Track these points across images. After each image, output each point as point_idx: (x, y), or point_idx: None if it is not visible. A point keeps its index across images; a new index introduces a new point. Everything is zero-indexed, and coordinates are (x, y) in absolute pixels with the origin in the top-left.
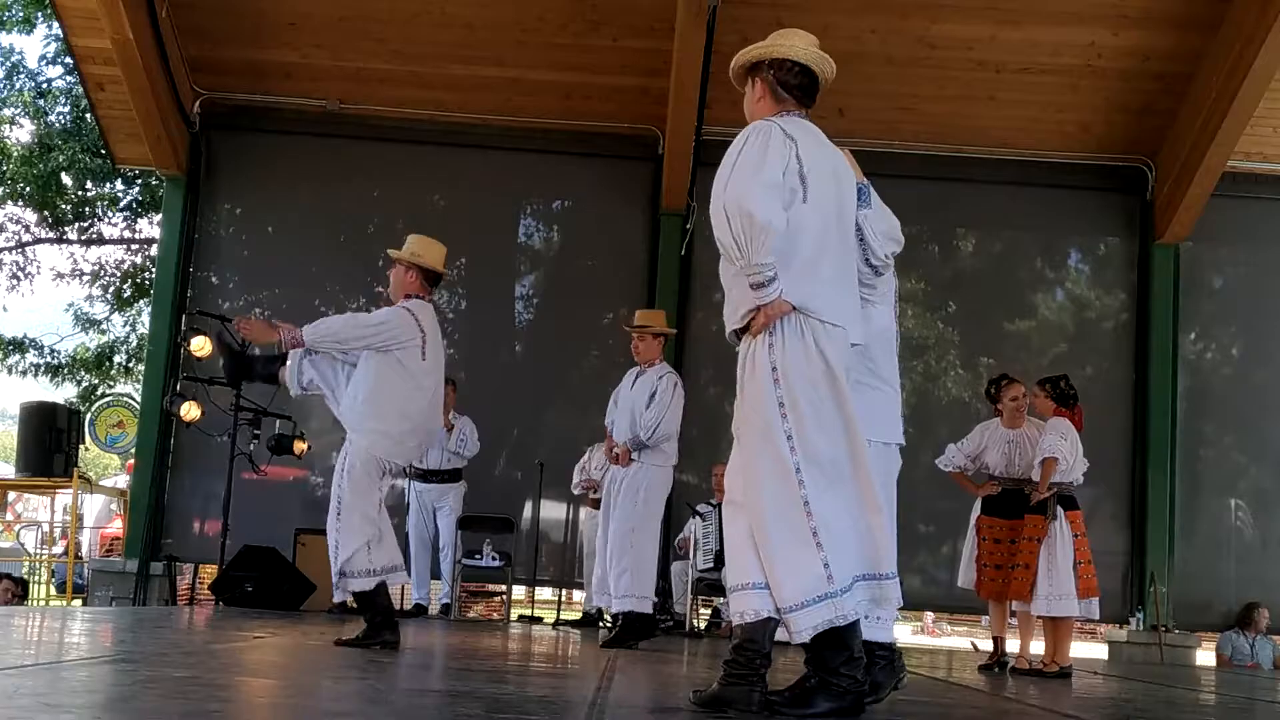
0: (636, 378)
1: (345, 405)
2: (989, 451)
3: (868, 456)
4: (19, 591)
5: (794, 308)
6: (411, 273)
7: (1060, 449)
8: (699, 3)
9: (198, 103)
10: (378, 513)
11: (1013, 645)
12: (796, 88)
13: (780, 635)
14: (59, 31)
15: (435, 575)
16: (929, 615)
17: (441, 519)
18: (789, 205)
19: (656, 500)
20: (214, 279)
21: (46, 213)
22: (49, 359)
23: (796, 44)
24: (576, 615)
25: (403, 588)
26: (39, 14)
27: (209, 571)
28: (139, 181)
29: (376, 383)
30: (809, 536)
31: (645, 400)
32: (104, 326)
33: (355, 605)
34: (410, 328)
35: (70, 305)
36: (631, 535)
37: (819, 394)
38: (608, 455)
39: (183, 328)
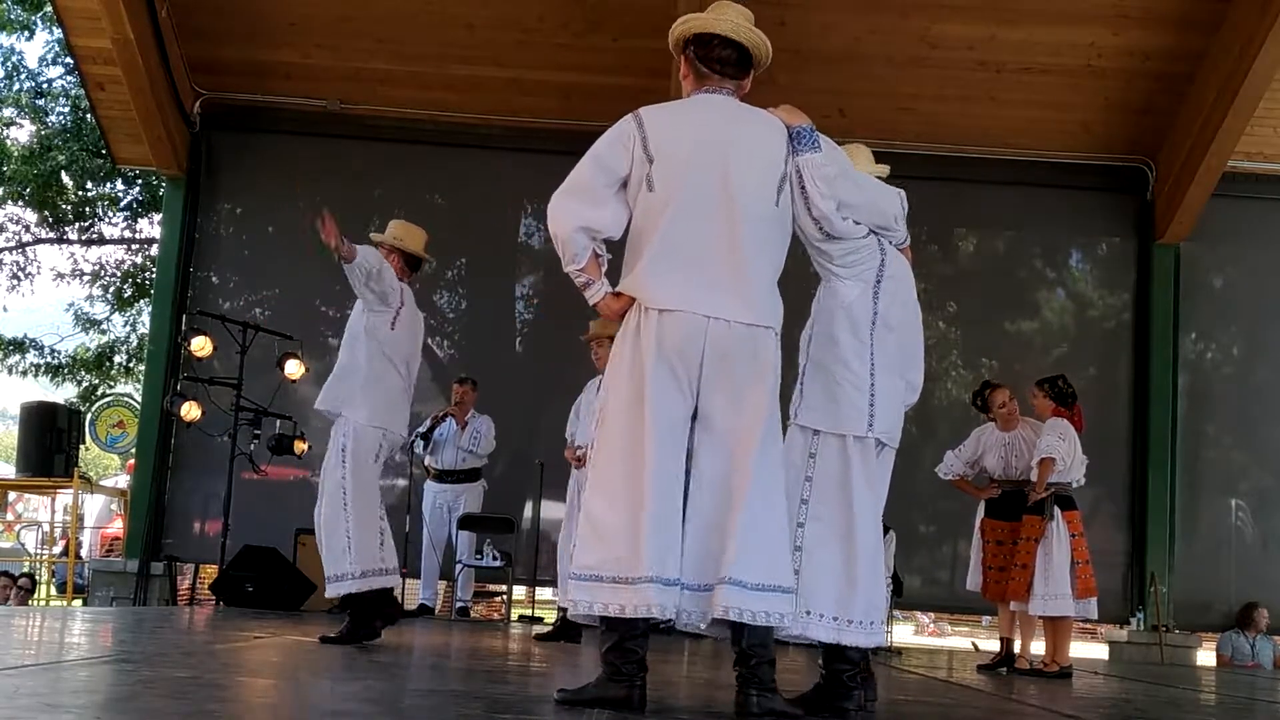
0: (600, 385)
1: (333, 385)
2: (986, 456)
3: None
4: (29, 587)
5: (631, 300)
6: (394, 256)
7: (1058, 449)
8: (699, 3)
9: (198, 103)
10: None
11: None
12: (716, 61)
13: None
14: (58, 34)
15: (443, 576)
16: (929, 615)
17: (458, 522)
18: (634, 197)
19: None
20: (214, 279)
21: (46, 213)
22: (49, 359)
23: (726, 16)
24: None
25: (403, 586)
26: (36, 19)
27: (209, 571)
28: (139, 181)
29: (369, 355)
30: (573, 519)
31: None
32: (104, 326)
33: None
34: (397, 293)
35: (70, 305)
36: None
37: (622, 382)
38: (570, 459)
39: (183, 328)
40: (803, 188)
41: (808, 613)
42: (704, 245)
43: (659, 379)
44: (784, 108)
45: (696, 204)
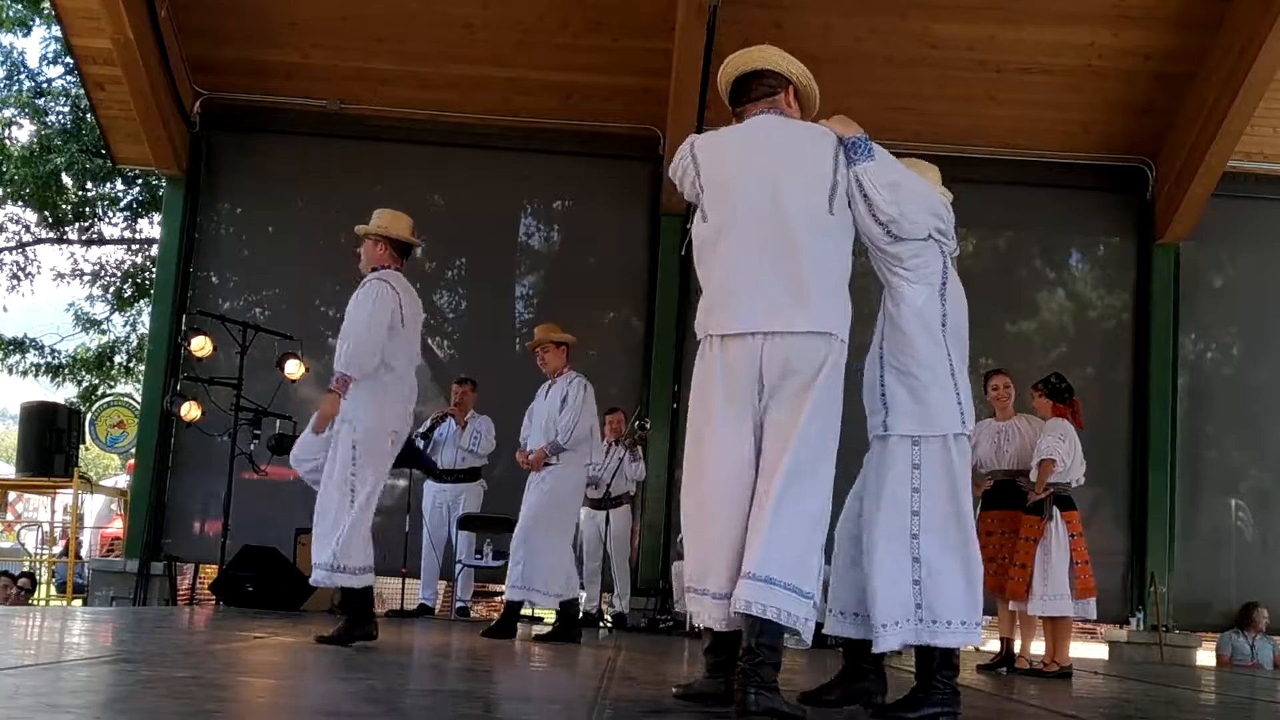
0: (549, 389)
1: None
2: (980, 445)
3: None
4: (29, 586)
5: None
6: (380, 245)
7: (1058, 450)
8: (699, 3)
9: (198, 103)
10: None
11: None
12: (741, 93)
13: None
14: (57, 32)
15: (443, 576)
16: None
17: (458, 522)
18: (695, 226)
19: (571, 499)
20: (214, 279)
21: (46, 213)
22: (49, 359)
23: (735, 56)
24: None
25: (403, 586)
26: (35, 16)
27: (209, 571)
28: (139, 181)
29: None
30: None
31: (559, 407)
32: (104, 326)
33: (337, 601)
34: (390, 295)
35: (70, 305)
36: (532, 529)
37: (697, 408)
38: (521, 462)
39: (183, 328)
40: (864, 195)
41: (934, 621)
42: (759, 264)
43: (725, 404)
44: (836, 118)
45: (748, 226)
